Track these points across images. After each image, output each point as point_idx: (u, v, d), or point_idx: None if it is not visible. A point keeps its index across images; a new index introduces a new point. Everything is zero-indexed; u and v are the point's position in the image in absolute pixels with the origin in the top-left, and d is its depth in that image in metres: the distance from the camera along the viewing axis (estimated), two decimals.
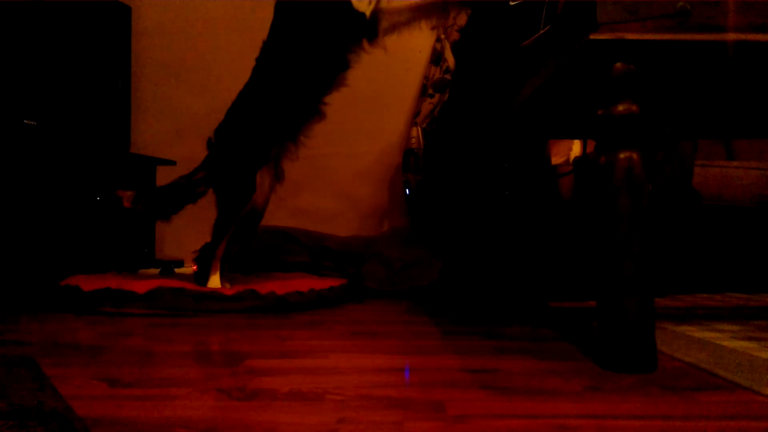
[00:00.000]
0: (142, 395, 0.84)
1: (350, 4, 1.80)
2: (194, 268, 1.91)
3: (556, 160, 1.95)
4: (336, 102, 2.98)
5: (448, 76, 2.81)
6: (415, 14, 1.87)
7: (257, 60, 1.99)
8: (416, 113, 2.87)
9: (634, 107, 1.00)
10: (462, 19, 2.82)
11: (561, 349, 1.20)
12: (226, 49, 2.98)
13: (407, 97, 2.95)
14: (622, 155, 0.99)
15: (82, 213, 2.31)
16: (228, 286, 1.89)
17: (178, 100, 2.98)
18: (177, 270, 2.24)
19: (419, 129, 2.77)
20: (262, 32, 2.97)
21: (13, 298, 1.92)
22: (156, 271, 2.05)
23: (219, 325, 1.50)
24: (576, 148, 2.21)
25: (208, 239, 1.94)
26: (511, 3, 1.26)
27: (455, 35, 2.84)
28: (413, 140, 2.77)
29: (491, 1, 1.79)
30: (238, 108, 1.97)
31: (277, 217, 2.79)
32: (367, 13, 1.81)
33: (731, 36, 0.98)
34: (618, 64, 1.00)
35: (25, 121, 2.24)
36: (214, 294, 1.75)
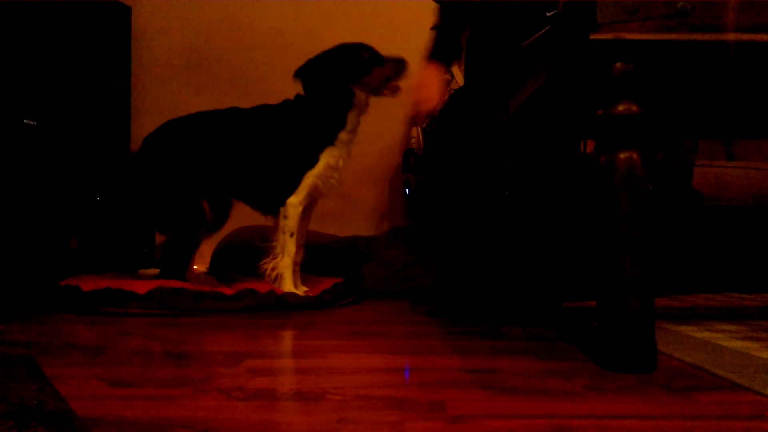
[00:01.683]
0: (142, 395, 0.84)
1: None
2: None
3: None
4: None
5: (448, 76, 2.81)
6: None
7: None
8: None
9: (634, 107, 1.00)
10: None
11: (561, 349, 1.20)
12: (226, 48, 2.98)
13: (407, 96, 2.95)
14: (622, 155, 0.99)
15: (82, 213, 2.31)
16: (214, 283, 1.90)
17: (178, 100, 2.98)
18: None
19: (419, 129, 2.77)
20: (261, 32, 2.98)
21: (14, 298, 1.92)
22: (156, 271, 2.04)
23: (219, 324, 1.50)
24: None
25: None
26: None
27: None
28: (413, 140, 2.77)
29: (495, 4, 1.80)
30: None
31: None
32: None
33: (731, 36, 0.98)
34: (618, 64, 1.00)
35: (25, 121, 2.24)
36: (214, 294, 1.75)
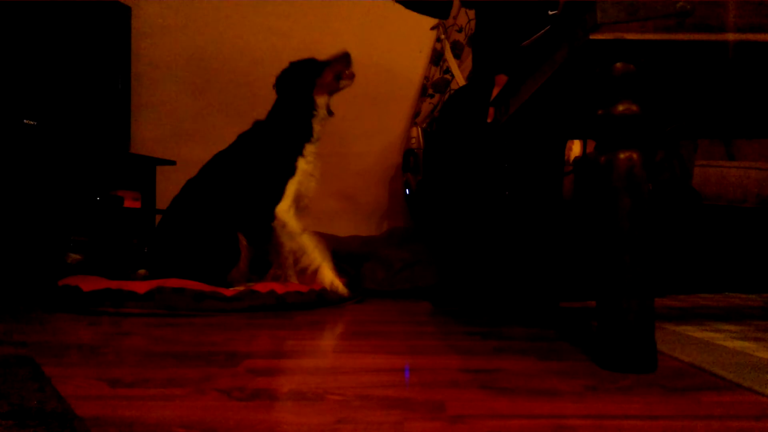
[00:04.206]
0: (142, 395, 0.84)
1: None
2: None
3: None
4: (336, 102, 2.98)
5: (448, 76, 2.81)
6: None
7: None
8: (416, 113, 2.87)
9: (634, 107, 1.00)
10: (462, 19, 2.83)
11: (561, 349, 1.20)
12: (226, 48, 2.98)
13: (407, 97, 2.95)
14: (622, 155, 0.99)
15: (82, 213, 2.31)
16: None
17: (178, 100, 2.98)
18: None
19: (419, 129, 2.77)
20: (261, 32, 2.98)
21: (13, 298, 1.92)
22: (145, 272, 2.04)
23: (219, 325, 1.50)
24: (576, 148, 2.21)
25: None
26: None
27: (455, 35, 2.84)
28: (413, 140, 2.77)
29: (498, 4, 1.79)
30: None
31: None
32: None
33: (731, 36, 0.98)
34: (618, 64, 1.00)
35: (25, 121, 2.24)
36: (214, 294, 1.75)
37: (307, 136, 2.05)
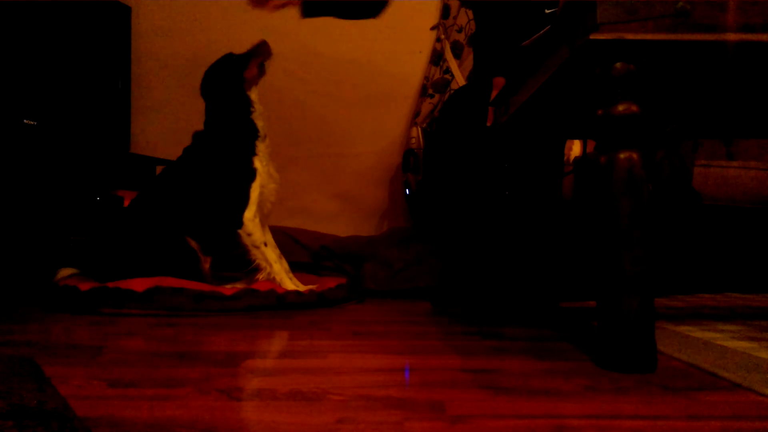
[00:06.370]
0: (142, 395, 0.84)
1: None
2: None
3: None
4: (336, 102, 2.98)
5: (448, 76, 2.81)
6: None
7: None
8: (416, 113, 2.87)
9: (634, 107, 1.00)
10: (462, 19, 2.83)
11: (561, 349, 1.20)
12: (226, 48, 2.98)
13: (407, 97, 2.95)
14: (622, 155, 0.99)
15: (82, 213, 2.31)
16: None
17: (178, 100, 2.98)
18: None
19: (419, 129, 2.77)
20: (261, 33, 2.98)
21: (13, 298, 1.92)
22: None
23: (219, 325, 1.50)
24: (576, 148, 2.21)
25: None
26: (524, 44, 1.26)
27: (455, 35, 2.84)
28: (413, 140, 2.77)
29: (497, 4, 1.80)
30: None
31: (277, 217, 2.79)
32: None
33: (731, 36, 0.98)
34: (618, 64, 1.00)
35: (25, 121, 2.24)
36: (214, 294, 1.74)
37: (254, 133, 1.98)
